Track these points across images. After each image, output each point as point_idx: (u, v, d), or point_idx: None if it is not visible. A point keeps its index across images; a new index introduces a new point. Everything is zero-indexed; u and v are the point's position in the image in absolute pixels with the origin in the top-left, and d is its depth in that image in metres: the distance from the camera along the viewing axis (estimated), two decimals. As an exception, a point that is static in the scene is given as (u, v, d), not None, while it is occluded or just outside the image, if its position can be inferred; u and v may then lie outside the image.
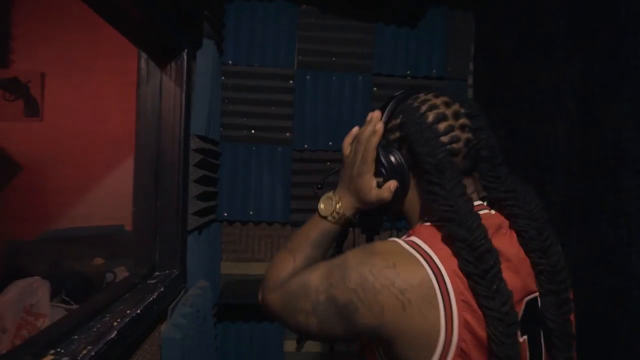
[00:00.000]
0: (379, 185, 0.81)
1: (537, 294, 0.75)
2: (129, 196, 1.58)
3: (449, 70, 2.35)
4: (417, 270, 0.68)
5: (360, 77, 2.30)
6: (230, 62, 2.23)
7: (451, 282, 0.67)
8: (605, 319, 1.27)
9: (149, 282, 1.49)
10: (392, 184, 0.80)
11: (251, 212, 2.26)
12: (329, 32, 2.30)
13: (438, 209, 0.72)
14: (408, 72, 2.33)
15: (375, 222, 0.97)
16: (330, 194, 0.87)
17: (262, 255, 2.30)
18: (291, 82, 2.28)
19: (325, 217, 0.85)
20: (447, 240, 0.71)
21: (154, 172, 1.60)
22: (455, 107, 0.79)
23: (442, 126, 0.76)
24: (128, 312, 1.18)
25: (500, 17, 2.09)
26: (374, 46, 2.31)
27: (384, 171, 0.79)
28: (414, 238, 0.74)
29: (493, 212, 0.80)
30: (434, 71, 2.34)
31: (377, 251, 0.72)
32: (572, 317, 0.78)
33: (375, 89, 2.33)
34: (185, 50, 1.60)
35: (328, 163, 2.31)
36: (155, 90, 1.60)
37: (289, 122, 2.29)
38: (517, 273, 0.73)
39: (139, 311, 1.20)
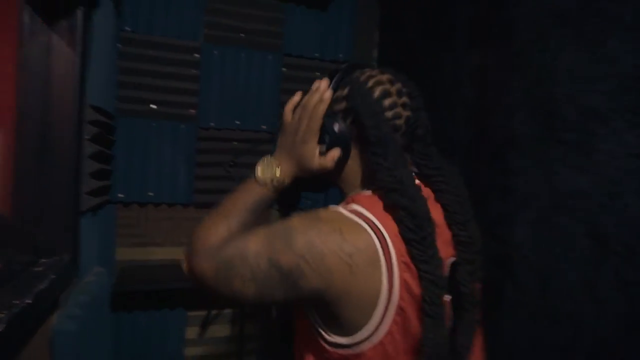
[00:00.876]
0: (322, 154, 0.81)
1: (454, 258, 0.82)
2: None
3: (355, 56, 2.42)
4: (361, 235, 0.71)
5: (270, 56, 2.26)
6: (128, 28, 2.02)
7: (393, 245, 0.71)
8: (493, 283, 1.44)
9: (34, 269, 1.30)
10: (336, 153, 0.80)
11: (151, 194, 2.10)
12: (238, 7, 2.21)
13: (382, 179, 0.75)
14: (317, 54, 2.35)
15: (293, 196, 0.97)
16: (270, 158, 0.83)
17: (163, 239, 2.15)
18: (197, 55, 2.15)
19: (262, 184, 0.81)
20: (389, 208, 0.75)
21: (39, 146, 1.39)
22: (399, 85, 0.82)
23: (387, 102, 0.79)
24: (15, 302, 1.02)
25: (404, 6, 2.21)
26: (284, 25, 2.29)
27: (327, 140, 0.79)
28: (354, 206, 0.76)
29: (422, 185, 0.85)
30: (341, 55, 2.40)
31: (322, 218, 0.73)
32: (479, 285, 0.87)
33: (284, 69, 2.30)
34: (80, 7, 1.41)
35: (235, 143, 2.23)
36: (42, 52, 1.38)
37: (194, 99, 2.16)
38: (442, 240, 0.79)
39: (28, 301, 1.04)
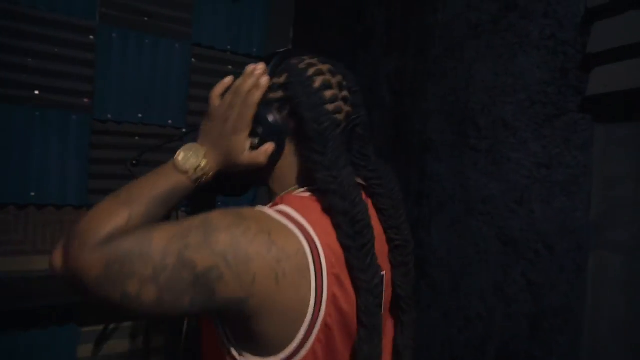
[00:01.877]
0: (253, 147, 0.72)
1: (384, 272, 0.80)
2: None
3: (269, 50, 2.33)
4: (291, 240, 0.63)
5: (177, 45, 2.08)
6: (3, -2, 1.71)
7: (324, 254, 0.65)
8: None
9: None
10: (270, 147, 0.72)
11: (32, 194, 1.81)
12: (141, -14, 1.99)
13: (320, 179, 0.68)
14: (229, 47, 2.22)
15: (208, 198, 0.88)
16: (195, 145, 0.72)
17: (47, 246, 1.87)
18: (92, 37, 1.90)
19: (182, 171, 0.69)
20: (324, 211, 0.69)
21: None
22: (339, 77, 0.76)
23: (328, 94, 0.73)
24: None
25: (321, 3, 2.18)
26: (192, 12, 2.12)
27: (260, 132, 0.71)
28: (284, 207, 0.68)
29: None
30: (255, 50, 2.30)
31: (247, 216, 0.63)
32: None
33: (193, 60, 2.14)
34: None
35: (137, 138, 2.02)
36: None
37: (88, 86, 1.90)
38: (377, 246, 0.76)
39: None
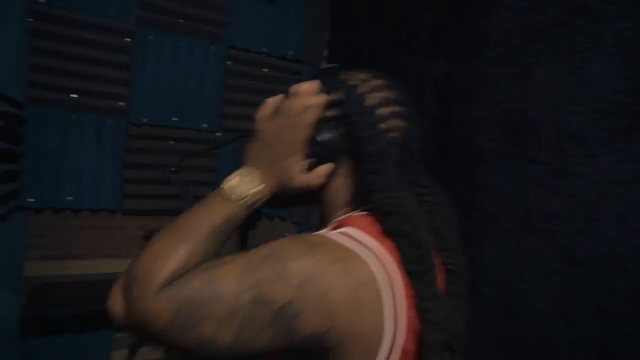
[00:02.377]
0: (308, 169, 0.68)
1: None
2: None
3: (305, 54, 2.28)
4: (364, 265, 0.59)
5: (212, 47, 2.04)
6: (42, 0, 1.70)
7: (400, 277, 0.60)
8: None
9: None
10: (327, 169, 0.68)
11: (69, 198, 1.79)
12: (177, -12, 1.96)
13: (378, 202, 0.64)
14: (264, 49, 2.17)
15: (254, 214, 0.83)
16: (248, 169, 0.67)
17: (83, 251, 1.86)
18: (128, 40, 1.87)
19: (236, 201, 0.64)
20: (387, 234, 0.64)
21: None
22: (394, 93, 0.71)
23: (384, 111, 0.68)
24: None
25: (358, 5, 2.11)
26: (228, 14, 2.08)
27: (315, 152, 0.67)
28: (349, 230, 0.63)
29: None
30: (291, 52, 2.24)
31: (317, 243, 0.59)
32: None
33: (229, 62, 2.10)
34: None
35: (172, 142, 1.99)
36: None
37: (124, 89, 1.88)
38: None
39: None
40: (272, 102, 0.71)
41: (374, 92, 0.69)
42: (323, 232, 0.65)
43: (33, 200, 1.73)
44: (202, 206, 0.64)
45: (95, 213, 1.88)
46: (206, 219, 0.61)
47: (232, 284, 0.53)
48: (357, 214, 0.69)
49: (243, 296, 0.53)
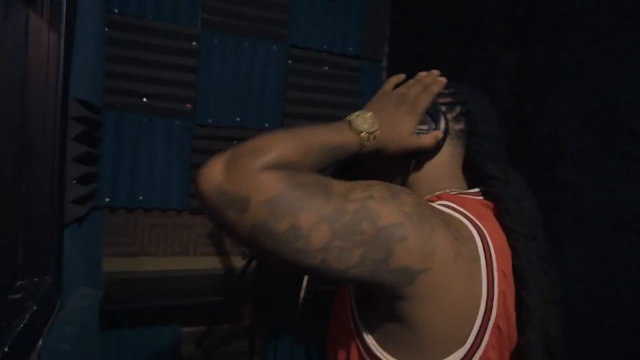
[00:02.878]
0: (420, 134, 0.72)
1: None
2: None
3: (365, 49, 2.24)
4: (463, 226, 0.59)
5: (274, 47, 2.06)
6: (116, 10, 1.79)
7: (494, 248, 0.59)
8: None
9: (10, 297, 1.09)
10: (439, 134, 0.71)
11: (141, 197, 1.88)
12: (239, -10, 1.99)
13: (492, 170, 0.68)
14: (325, 46, 2.16)
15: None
16: (370, 114, 0.68)
17: (154, 248, 1.94)
18: (194, 43, 1.92)
19: (357, 132, 0.64)
20: (489, 207, 0.67)
21: (15, 146, 1.17)
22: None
23: (492, 111, 0.78)
24: (-10, 352, 0.82)
25: None
26: (288, 13, 2.08)
27: (430, 122, 0.72)
28: (445, 202, 0.64)
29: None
30: (351, 49, 2.21)
31: (419, 200, 0.60)
32: None
33: (290, 61, 2.10)
34: (65, -18, 1.18)
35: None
36: (19, 33, 1.15)
37: (190, 92, 1.94)
38: None
39: (6, 349, 0.84)
40: (400, 75, 0.77)
41: (486, 96, 0.78)
42: None
43: (108, 199, 1.83)
44: (324, 125, 0.64)
45: (164, 212, 1.95)
46: (325, 135, 0.62)
47: (341, 190, 0.52)
48: (451, 192, 0.70)
49: (352, 204, 0.51)
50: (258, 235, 0.49)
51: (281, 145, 0.54)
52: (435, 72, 0.75)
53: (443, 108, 0.74)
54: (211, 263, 2.04)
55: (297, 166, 0.54)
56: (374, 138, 0.66)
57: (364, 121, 0.66)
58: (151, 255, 1.93)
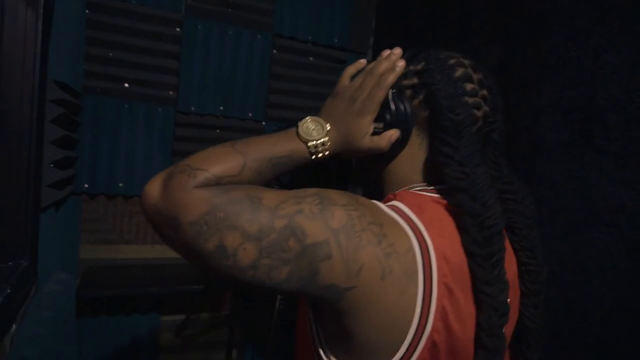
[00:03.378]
0: (377, 133, 0.67)
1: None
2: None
3: (351, 42, 2.24)
4: (402, 238, 0.56)
5: (259, 36, 2.04)
6: (97, -8, 1.75)
7: (436, 260, 0.57)
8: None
9: (-16, 281, 1.07)
10: (394, 134, 0.66)
11: (120, 184, 1.85)
12: (225, -23, 1.97)
13: (449, 174, 0.62)
14: (310, 37, 2.15)
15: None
16: (320, 119, 0.67)
17: (133, 235, 1.92)
18: (178, 29, 1.90)
19: (304, 140, 0.64)
20: (447, 211, 0.62)
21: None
22: (480, 75, 0.68)
23: (468, 86, 0.65)
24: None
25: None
26: (274, 3, 2.07)
27: (387, 118, 0.66)
28: (397, 203, 0.61)
29: None
30: (336, 40, 2.21)
31: (363, 202, 0.58)
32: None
33: (275, 51, 2.09)
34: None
35: (218, 131, 2.01)
36: (-6, 11, 1.12)
37: (173, 79, 1.91)
38: (508, 268, 0.65)
39: (-21, 330, 0.83)
40: (358, 63, 0.72)
41: (460, 66, 0.66)
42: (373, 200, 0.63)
43: (87, 186, 1.80)
44: (270, 135, 0.65)
45: (145, 199, 1.93)
46: (268, 145, 0.62)
47: (270, 205, 0.52)
48: (414, 189, 0.67)
49: (278, 221, 0.51)
50: (190, 252, 0.52)
51: (216, 162, 0.55)
52: (396, 52, 0.69)
53: (408, 92, 0.67)
54: (192, 252, 2.03)
55: (234, 180, 0.55)
56: (323, 145, 0.64)
57: (312, 129, 0.65)
58: (131, 243, 1.91)
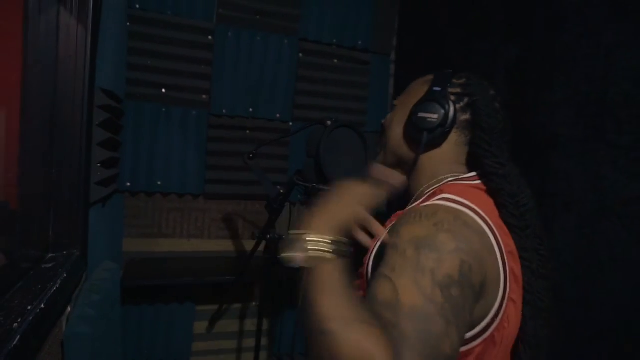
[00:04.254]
0: (417, 140, 0.80)
1: None
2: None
3: (374, 43, 2.31)
4: (473, 219, 0.67)
5: (286, 41, 2.15)
6: (137, 6, 1.90)
7: (498, 232, 0.69)
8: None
9: (44, 266, 1.21)
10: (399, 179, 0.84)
11: (159, 183, 1.99)
12: (253, -14, 2.08)
13: (489, 164, 0.74)
14: (334, 40, 2.24)
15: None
16: (299, 232, 0.63)
17: (171, 230, 2.06)
18: (210, 37, 2.03)
19: (312, 262, 0.60)
20: (488, 195, 0.74)
21: (48, 133, 1.29)
22: (499, 97, 0.83)
23: (497, 103, 0.81)
24: (29, 307, 0.93)
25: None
26: (300, 8, 2.17)
27: (442, 112, 0.78)
28: (448, 196, 0.70)
29: None
30: (360, 42, 2.29)
31: (432, 213, 0.66)
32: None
33: (301, 54, 2.19)
34: (92, -20, 1.29)
35: (248, 131, 2.13)
36: (51, 28, 1.27)
37: (206, 83, 2.04)
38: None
39: (42, 306, 0.96)
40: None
41: (490, 87, 0.82)
42: (428, 204, 0.70)
43: (129, 184, 1.95)
44: (314, 287, 0.58)
45: (181, 197, 2.07)
46: (322, 292, 0.57)
47: (418, 300, 0.55)
48: (451, 182, 0.78)
49: (435, 299, 0.55)
50: None
51: (366, 346, 0.50)
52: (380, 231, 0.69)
53: (452, 98, 0.80)
54: (224, 245, 2.15)
55: (362, 318, 0.53)
56: (342, 244, 0.63)
57: (293, 246, 0.61)
58: (168, 237, 2.05)
